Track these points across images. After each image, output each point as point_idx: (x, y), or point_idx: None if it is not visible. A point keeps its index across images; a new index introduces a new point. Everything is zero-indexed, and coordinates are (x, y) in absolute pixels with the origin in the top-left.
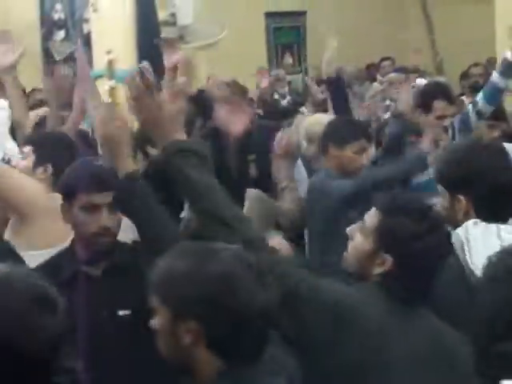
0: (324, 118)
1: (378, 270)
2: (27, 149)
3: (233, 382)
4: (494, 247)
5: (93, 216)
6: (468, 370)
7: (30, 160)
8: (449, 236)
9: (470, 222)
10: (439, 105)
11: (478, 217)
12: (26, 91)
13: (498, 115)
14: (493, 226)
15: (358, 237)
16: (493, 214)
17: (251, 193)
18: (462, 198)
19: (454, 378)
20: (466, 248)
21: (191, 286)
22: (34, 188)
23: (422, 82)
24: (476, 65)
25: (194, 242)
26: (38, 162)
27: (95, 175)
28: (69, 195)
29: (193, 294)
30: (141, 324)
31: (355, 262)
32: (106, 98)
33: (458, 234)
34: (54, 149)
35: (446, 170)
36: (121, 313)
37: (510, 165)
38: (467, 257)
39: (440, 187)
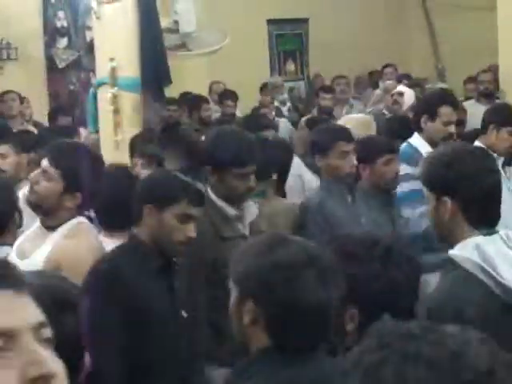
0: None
1: (350, 327)
2: (53, 171)
3: (272, 364)
4: (510, 257)
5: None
6: None
7: (59, 184)
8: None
9: (478, 241)
10: (445, 111)
11: (466, 220)
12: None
13: None
14: (497, 239)
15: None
16: (482, 216)
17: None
18: (448, 200)
19: None
20: (490, 269)
21: (254, 270)
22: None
23: (404, 88)
24: (485, 71)
25: (270, 233)
26: (67, 190)
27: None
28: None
29: (254, 277)
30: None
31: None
32: (108, 105)
33: (468, 257)
34: (86, 175)
35: (433, 172)
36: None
37: (496, 168)
38: (496, 275)
39: (425, 190)
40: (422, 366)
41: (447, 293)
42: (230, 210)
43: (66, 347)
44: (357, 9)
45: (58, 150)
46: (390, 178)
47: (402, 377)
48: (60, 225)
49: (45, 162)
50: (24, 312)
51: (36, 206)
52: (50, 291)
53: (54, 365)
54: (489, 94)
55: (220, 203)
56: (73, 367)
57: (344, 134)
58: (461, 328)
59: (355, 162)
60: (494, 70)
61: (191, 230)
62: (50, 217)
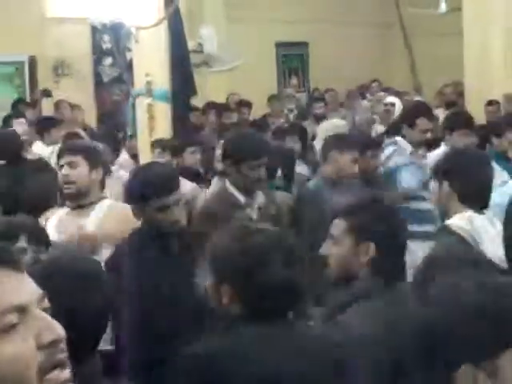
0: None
1: (364, 259)
2: (77, 158)
3: (249, 330)
4: (492, 234)
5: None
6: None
7: (85, 167)
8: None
9: (470, 214)
10: (422, 122)
11: (463, 202)
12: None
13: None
14: (485, 218)
15: (334, 248)
16: (475, 203)
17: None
18: (446, 183)
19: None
20: (477, 239)
21: (227, 259)
22: None
23: (395, 99)
24: (447, 85)
25: (240, 224)
26: (92, 167)
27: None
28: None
29: (228, 266)
30: None
31: (341, 266)
32: (144, 113)
33: (463, 226)
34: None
35: (438, 161)
36: None
37: (490, 165)
38: (483, 247)
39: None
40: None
41: (446, 251)
42: (241, 198)
43: (92, 319)
44: (349, 35)
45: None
46: (374, 169)
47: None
48: (91, 202)
49: (65, 158)
50: (29, 288)
51: (74, 195)
52: (80, 268)
53: (61, 329)
54: (452, 103)
55: (234, 192)
56: (95, 340)
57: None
58: None
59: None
60: (455, 84)
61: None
62: (84, 197)
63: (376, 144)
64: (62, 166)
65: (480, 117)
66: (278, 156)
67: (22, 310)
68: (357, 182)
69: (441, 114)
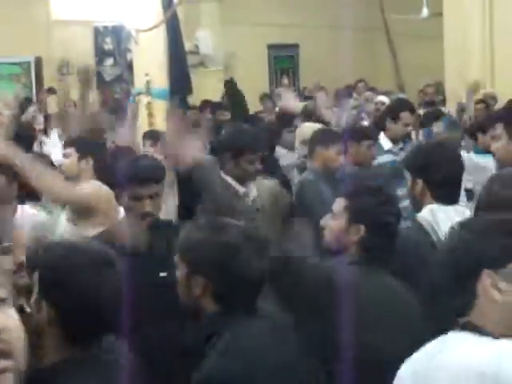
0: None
1: (354, 238)
2: (69, 150)
3: (223, 323)
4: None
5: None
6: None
7: (74, 157)
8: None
9: (433, 207)
10: (405, 115)
11: (433, 198)
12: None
13: None
14: (451, 209)
15: (332, 222)
16: (445, 197)
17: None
18: (420, 181)
19: (408, 323)
20: (436, 228)
21: (203, 251)
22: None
23: (385, 99)
24: (429, 85)
25: (211, 217)
26: (81, 157)
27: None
28: None
29: (203, 258)
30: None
31: (334, 239)
32: (144, 110)
33: (426, 217)
34: (91, 145)
35: (411, 159)
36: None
37: (460, 158)
38: (439, 234)
39: (406, 173)
40: None
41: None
42: (241, 188)
43: (109, 302)
44: (337, 38)
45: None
46: (369, 159)
47: None
48: None
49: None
50: None
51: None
52: (98, 253)
53: (3, 319)
54: (431, 103)
55: (233, 183)
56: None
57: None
58: None
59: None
60: (436, 84)
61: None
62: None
63: (372, 134)
64: None
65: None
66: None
67: None
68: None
69: (421, 112)
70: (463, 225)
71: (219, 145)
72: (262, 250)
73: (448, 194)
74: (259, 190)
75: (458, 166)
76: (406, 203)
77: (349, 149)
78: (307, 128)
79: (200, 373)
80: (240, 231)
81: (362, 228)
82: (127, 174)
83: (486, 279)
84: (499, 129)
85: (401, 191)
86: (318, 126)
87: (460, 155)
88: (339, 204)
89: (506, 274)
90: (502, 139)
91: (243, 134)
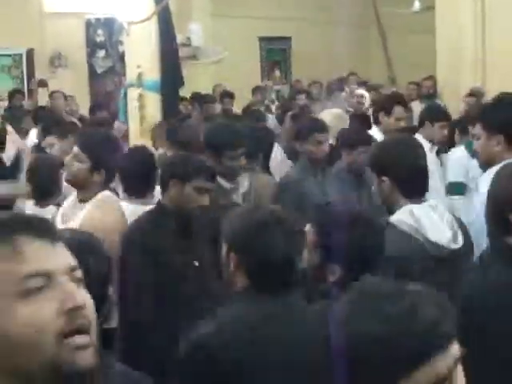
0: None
1: (331, 279)
2: (83, 156)
3: (250, 300)
4: (435, 219)
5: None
6: None
7: (87, 164)
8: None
9: (410, 208)
10: (398, 109)
11: (401, 193)
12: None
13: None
14: (426, 206)
15: (307, 257)
16: (413, 191)
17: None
18: (386, 178)
19: None
20: (420, 228)
21: (235, 229)
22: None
23: (361, 91)
24: (426, 79)
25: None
26: (95, 168)
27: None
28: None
29: (235, 236)
30: None
31: (313, 276)
32: (135, 102)
33: (405, 220)
34: (107, 155)
35: (374, 157)
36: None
37: (422, 153)
38: (426, 235)
39: (369, 171)
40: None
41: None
42: (226, 184)
43: (93, 283)
44: (329, 31)
45: (86, 137)
46: (364, 165)
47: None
48: (91, 198)
49: (75, 148)
50: (59, 257)
51: (71, 183)
52: (79, 239)
53: (84, 298)
54: (429, 96)
55: (219, 179)
56: (99, 299)
57: (320, 126)
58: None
59: (327, 149)
60: (433, 79)
61: (206, 200)
62: (82, 191)
63: (367, 140)
64: None
65: (451, 110)
66: (261, 133)
67: (47, 276)
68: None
69: (416, 106)
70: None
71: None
72: (289, 234)
73: (416, 188)
74: (253, 184)
75: (422, 159)
76: None
77: (343, 155)
78: (328, 115)
79: (189, 335)
80: (270, 213)
81: (338, 268)
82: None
83: None
84: (478, 128)
85: None
86: (339, 111)
87: (422, 149)
88: (310, 234)
89: None
90: (481, 138)
91: (222, 131)
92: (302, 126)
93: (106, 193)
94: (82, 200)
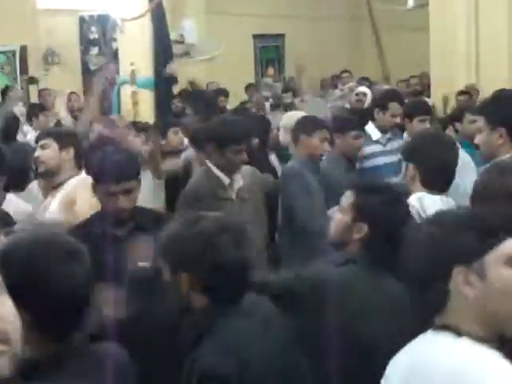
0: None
1: (356, 236)
2: (47, 140)
3: (212, 316)
4: None
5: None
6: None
7: (52, 149)
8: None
9: (420, 195)
10: (393, 106)
11: (423, 184)
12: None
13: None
14: (437, 198)
15: (338, 214)
16: (434, 184)
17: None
18: (411, 166)
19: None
20: (423, 216)
21: (179, 246)
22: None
23: (367, 90)
24: (413, 76)
25: (185, 213)
26: (62, 147)
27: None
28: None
29: (181, 252)
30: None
31: (338, 234)
32: (128, 99)
33: (413, 204)
34: (71, 135)
35: (407, 144)
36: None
37: (455, 148)
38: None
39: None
40: None
41: None
42: (225, 179)
43: (76, 293)
44: (323, 27)
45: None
46: (356, 149)
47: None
48: (65, 180)
49: (41, 142)
50: None
51: (46, 173)
52: (61, 245)
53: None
54: (416, 94)
55: (218, 173)
56: (81, 311)
57: (325, 124)
58: None
59: (328, 148)
60: (422, 75)
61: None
62: (56, 177)
63: (359, 125)
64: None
65: (443, 107)
66: (253, 125)
67: None
68: (338, 160)
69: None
70: (433, 220)
71: (205, 135)
72: (238, 239)
73: (437, 182)
74: (247, 179)
75: (453, 157)
76: None
77: (335, 140)
78: (289, 117)
79: (195, 365)
80: (213, 221)
81: (365, 227)
82: (103, 170)
83: (458, 276)
84: (481, 121)
85: None
86: (301, 113)
87: (457, 148)
88: (347, 198)
89: (478, 268)
90: (483, 132)
91: (228, 125)
92: (306, 122)
93: (82, 174)
94: (56, 186)
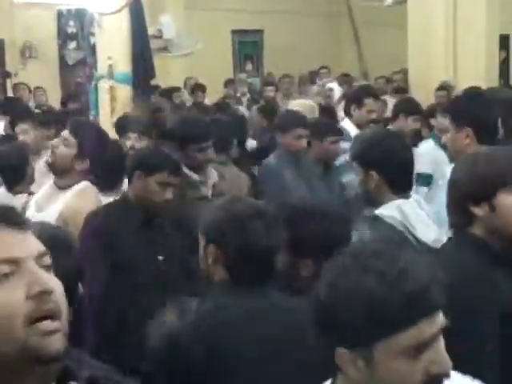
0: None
1: (304, 273)
2: (72, 140)
3: (227, 294)
4: (423, 217)
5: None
6: None
7: (74, 150)
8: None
9: (398, 203)
10: (369, 102)
11: (389, 188)
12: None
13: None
14: (412, 202)
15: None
16: (401, 186)
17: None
18: (373, 173)
19: None
20: (408, 225)
21: (214, 221)
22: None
23: (334, 85)
24: (397, 72)
25: (229, 195)
26: (79, 156)
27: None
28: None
29: (214, 228)
30: None
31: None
32: (106, 94)
33: (394, 216)
34: (95, 146)
35: (361, 151)
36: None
37: (410, 146)
38: (417, 232)
39: (355, 164)
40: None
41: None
42: (195, 176)
43: (63, 280)
44: (301, 23)
45: (78, 124)
46: (334, 155)
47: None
48: (70, 186)
49: (66, 132)
50: (27, 244)
51: (53, 167)
52: (51, 233)
53: (53, 283)
54: (400, 90)
55: (188, 171)
56: (69, 297)
57: (303, 122)
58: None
59: (305, 144)
60: (404, 72)
61: (169, 194)
62: (63, 178)
63: (337, 130)
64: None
65: (422, 103)
66: (230, 126)
67: (14, 262)
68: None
69: (388, 99)
70: (329, 281)
71: (169, 135)
72: (270, 226)
73: (404, 183)
74: (225, 176)
75: (409, 153)
76: None
77: (313, 145)
78: (299, 105)
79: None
80: (251, 205)
81: (310, 262)
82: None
83: (343, 357)
84: (446, 121)
85: None
86: (309, 102)
87: (408, 143)
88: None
89: (365, 354)
90: (450, 131)
91: (187, 124)
92: (284, 118)
93: (87, 183)
94: (61, 187)
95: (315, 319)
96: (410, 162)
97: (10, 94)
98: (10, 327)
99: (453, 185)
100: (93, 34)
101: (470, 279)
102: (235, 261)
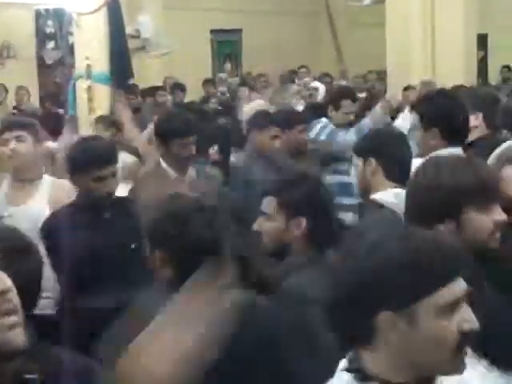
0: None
1: (297, 233)
2: (23, 134)
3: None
4: None
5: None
6: None
7: (29, 141)
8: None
9: (397, 191)
10: (346, 103)
11: (386, 176)
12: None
13: None
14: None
15: (266, 224)
16: (398, 175)
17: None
18: (372, 160)
19: None
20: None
21: (155, 224)
22: None
23: (319, 84)
24: (371, 71)
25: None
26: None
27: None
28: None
29: (156, 230)
30: None
31: (274, 241)
32: (84, 94)
33: (393, 201)
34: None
35: (362, 142)
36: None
37: (407, 139)
38: None
39: (355, 157)
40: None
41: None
42: (173, 173)
43: (27, 282)
44: (280, 23)
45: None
46: (302, 143)
47: None
48: (39, 175)
49: (15, 132)
50: None
51: (21, 167)
52: (10, 238)
53: (6, 282)
54: (372, 89)
55: (166, 167)
56: (32, 296)
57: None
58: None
59: (278, 144)
60: (382, 71)
61: (108, 186)
62: (30, 170)
63: (304, 119)
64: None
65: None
66: (213, 132)
67: None
68: (282, 156)
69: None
70: (369, 249)
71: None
72: (212, 220)
73: (401, 173)
74: (201, 175)
75: (408, 149)
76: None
77: (281, 136)
78: (251, 109)
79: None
80: (190, 201)
81: (303, 220)
82: (90, 156)
83: (386, 319)
84: (416, 120)
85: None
86: (262, 104)
87: (405, 136)
88: (270, 203)
89: (407, 315)
90: (418, 131)
91: (170, 120)
92: (258, 117)
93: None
94: (31, 179)
95: (343, 293)
96: (406, 155)
97: None
98: None
99: (412, 200)
100: (71, 34)
101: None
102: (184, 260)
